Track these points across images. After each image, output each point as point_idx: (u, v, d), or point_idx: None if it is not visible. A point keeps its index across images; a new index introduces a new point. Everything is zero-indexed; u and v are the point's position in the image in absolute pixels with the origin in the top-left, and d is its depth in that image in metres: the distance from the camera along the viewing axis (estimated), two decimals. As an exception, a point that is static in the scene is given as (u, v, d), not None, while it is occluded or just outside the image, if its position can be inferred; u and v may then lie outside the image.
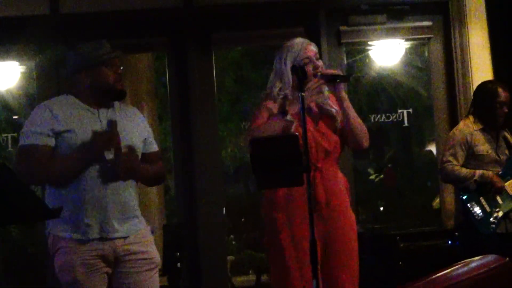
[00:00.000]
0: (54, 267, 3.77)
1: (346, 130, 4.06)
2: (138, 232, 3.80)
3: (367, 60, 8.49)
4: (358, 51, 8.05)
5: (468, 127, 5.46)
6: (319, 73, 4.02)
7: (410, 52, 8.19)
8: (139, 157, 3.81)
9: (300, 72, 3.73)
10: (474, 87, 5.83)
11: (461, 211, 5.46)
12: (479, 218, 5.30)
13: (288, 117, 3.94)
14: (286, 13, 6.71)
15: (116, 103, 3.87)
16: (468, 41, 6.56)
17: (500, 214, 5.30)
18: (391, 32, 6.84)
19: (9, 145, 7.18)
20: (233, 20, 6.78)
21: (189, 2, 6.66)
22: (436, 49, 6.84)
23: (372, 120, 7.32)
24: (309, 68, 4.00)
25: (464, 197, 5.37)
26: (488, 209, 5.31)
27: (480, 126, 5.44)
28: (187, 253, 6.49)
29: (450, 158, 5.40)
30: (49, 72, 6.58)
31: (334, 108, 4.10)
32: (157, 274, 3.87)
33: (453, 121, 6.50)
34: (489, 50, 6.55)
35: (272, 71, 4.17)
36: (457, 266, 3.85)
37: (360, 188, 9.88)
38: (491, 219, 5.29)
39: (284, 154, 3.46)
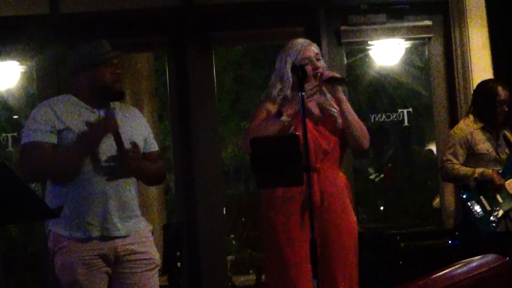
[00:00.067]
0: (54, 267, 3.77)
1: (346, 131, 4.06)
2: (138, 232, 3.81)
3: (367, 60, 8.49)
4: (358, 50, 8.05)
5: (468, 126, 5.47)
6: (318, 74, 4.02)
7: (410, 51, 8.20)
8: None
9: (300, 72, 3.73)
10: (474, 87, 5.83)
11: (461, 210, 5.46)
12: (479, 217, 5.30)
13: (283, 118, 3.94)
14: (285, 12, 6.71)
15: (117, 103, 3.88)
16: (468, 41, 6.56)
17: (501, 213, 5.30)
18: (391, 32, 6.84)
19: (9, 145, 7.17)
20: (233, 19, 6.78)
21: (189, 2, 6.66)
22: (436, 48, 6.84)
23: (372, 120, 7.32)
24: (309, 69, 3.99)
25: (464, 196, 5.37)
26: (488, 207, 5.31)
27: (480, 125, 5.45)
28: (187, 252, 6.49)
29: (450, 157, 5.41)
30: (49, 72, 6.58)
31: (336, 108, 4.10)
32: (157, 274, 3.87)
33: (453, 121, 6.50)
34: (489, 50, 6.55)
35: (274, 72, 4.17)
36: (457, 266, 3.84)
37: (360, 187, 9.89)
38: (491, 218, 5.29)
39: (284, 154, 3.45)
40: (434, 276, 3.73)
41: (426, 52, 7.09)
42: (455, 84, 6.62)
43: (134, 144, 3.73)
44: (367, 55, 7.73)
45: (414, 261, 5.96)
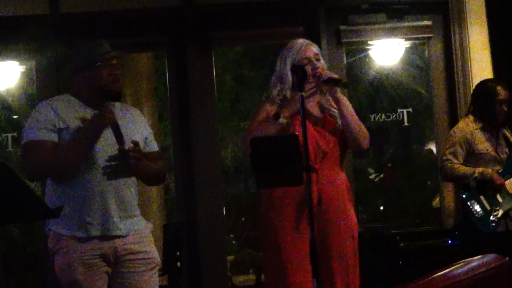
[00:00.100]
0: (54, 267, 3.77)
1: (345, 131, 4.06)
2: (138, 231, 3.81)
3: (367, 60, 8.50)
4: (358, 50, 8.06)
5: (468, 125, 5.47)
6: (317, 74, 4.02)
7: (410, 51, 8.20)
8: None
9: (300, 72, 3.73)
10: (474, 86, 5.83)
11: (461, 210, 5.46)
12: (479, 216, 5.30)
13: (281, 120, 3.94)
14: (285, 12, 6.71)
15: (117, 103, 3.88)
16: (468, 40, 6.56)
17: (501, 212, 5.30)
18: (391, 32, 6.84)
19: (9, 145, 7.18)
20: (233, 19, 6.78)
21: (189, 2, 6.66)
22: (436, 48, 6.84)
23: (372, 120, 7.32)
24: (308, 69, 3.99)
25: (464, 196, 5.37)
26: (488, 207, 5.31)
27: (480, 125, 5.45)
28: (187, 252, 6.50)
29: (450, 157, 5.41)
30: (49, 72, 6.58)
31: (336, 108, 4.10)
32: (156, 274, 3.87)
33: (453, 120, 6.50)
34: (489, 49, 6.55)
35: (274, 72, 4.17)
36: (457, 266, 3.84)
37: (360, 187, 9.89)
38: (491, 217, 5.29)
39: (284, 154, 3.46)
40: (434, 276, 3.73)
41: (426, 52, 7.09)
42: (455, 84, 6.62)
43: (136, 143, 3.74)
44: (367, 55, 7.74)
45: (414, 261, 5.96)
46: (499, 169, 5.37)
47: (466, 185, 5.37)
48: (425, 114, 9.61)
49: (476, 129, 5.44)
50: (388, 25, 6.79)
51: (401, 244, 6.10)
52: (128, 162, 3.70)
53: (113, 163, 3.70)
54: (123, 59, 5.07)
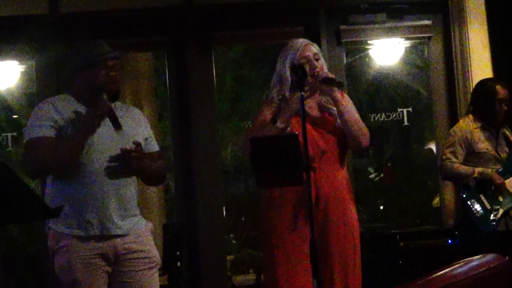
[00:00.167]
0: (54, 267, 3.77)
1: (344, 130, 4.06)
2: (138, 231, 3.81)
3: (366, 59, 8.50)
4: (357, 50, 8.05)
5: (467, 125, 5.47)
6: (315, 74, 4.02)
7: (410, 51, 8.20)
8: None
9: (300, 71, 3.73)
10: (474, 86, 5.83)
11: (461, 209, 5.46)
12: (479, 215, 5.30)
13: (278, 124, 3.94)
14: (285, 12, 6.71)
15: (118, 103, 3.89)
16: (468, 40, 6.56)
17: (501, 211, 5.30)
18: (391, 31, 6.84)
19: (9, 145, 7.17)
20: (233, 19, 6.78)
21: (189, 2, 6.66)
22: (435, 48, 6.84)
23: (372, 119, 7.32)
24: (307, 68, 3.99)
25: (464, 195, 5.37)
26: (488, 206, 5.31)
27: (480, 124, 5.45)
28: (187, 252, 6.50)
29: (450, 156, 5.41)
30: (49, 71, 6.58)
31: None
32: (157, 273, 3.88)
33: (453, 120, 6.50)
34: (489, 49, 6.55)
35: (274, 72, 4.17)
36: (457, 265, 3.84)
37: (360, 187, 9.88)
38: (492, 216, 5.29)
39: (284, 153, 3.46)
40: (433, 275, 3.73)
41: (426, 52, 7.09)
42: (455, 83, 6.62)
43: (138, 144, 3.74)
44: (367, 55, 7.74)
45: (414, 261, 5.95)
46: (499, 169, 5.37)
47: (466, 185, 5.37)
48: (425, 114, 9.61)
49: (476, 128, 5.44)
50: (388, 25, 6.79)
51: (401, 244, 6.10)
52: (129, 162, 3.71)
53: (114, 164, 3.71)
54: (123, 59, 5.07)
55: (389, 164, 11.85)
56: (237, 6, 6.70)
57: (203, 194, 6.57)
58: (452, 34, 6.63)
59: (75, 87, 3.85)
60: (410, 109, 7.45)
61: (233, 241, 11.23)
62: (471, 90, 5.92)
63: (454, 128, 5.57)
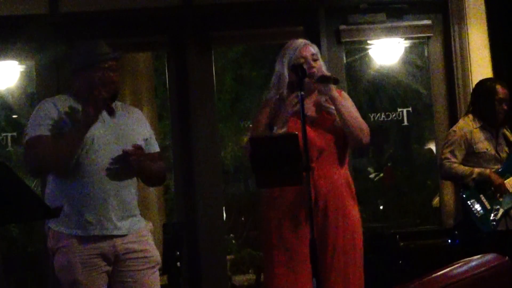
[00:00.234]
0: (54, 267, 3.77)
1: (343, 128, 4.05)
2: (138, 231, 3.82)
3: (366, 59, 8.49)
4: (357, 50, 8.05)
5: (467, 125, 5.47)
6: (312, 73, 4.02)
7: (410, 50, 8.18)
8: None
9: (300, 71, 3.73)
10: (474, 85, 5.83)
11: (461, 209, 5.46)
12: (479, 215, 5.30)
13: (275, 129, 3.94)
14: (285, 12, 6.71)
15: (118, 103, 3.90)
16: (468, 40, 6.56)
17: (501, 211, 5.30)
18: (391, 31, 6.84)
19: (9, 145, 7.17)
20: (233, 19, 6.78)
21: (189, 1, 6.66)
22: (435, 47, 6.84)
23: (372, 119, 7.31)
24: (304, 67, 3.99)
25: (464, 195, 5.37)
26: (488, 206, 5.31)
27: (480, 124, 5.45)
28: (187, 252, 6.50)
29: (449, 156, 5.41)
30: (49, 71, 6.58)
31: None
32: (157, 273, 3.88)
33: (453, 120, 6.50)
34: (489, 49, 6.55)
35: (274, 72, 4.18)
36: (456, 265, 3.84)
37: (360, 187, 9.87)
38: (492, 216, 5.29)
39: (284, 153, 3.46)
40: (433, 275, 3.73)
41: (426, 51, 7.09)
42: (455, 83, 6.62)
43: (138, 147, 3.74)
44: (366, 54, 7.73)
45: (414, 261, 5.95)
46: (499, 168, 5.37)
47: (466, 184, 5.37)
48: (425, 114, 9.59)
49: (476, 128, 5.44)
50: (387, 25, 6.79)
51: (401, 244, 6.10)
52: (130, 163, 3.71)
53: (115, 165, 3.71)
54: (123, 59, 5.07)
55: (389, 164, 11.84)
56: (237, 6, 6.71)
57: (203, 194, 6.58)
58: (452, 34, 6.64)
59: (75, 87, 3.86)
60: (410, 109, 7.45)
61: (233, 241, 11.23)
62: (471, 90, 5.93)
63: (454, 128, 5.58)
